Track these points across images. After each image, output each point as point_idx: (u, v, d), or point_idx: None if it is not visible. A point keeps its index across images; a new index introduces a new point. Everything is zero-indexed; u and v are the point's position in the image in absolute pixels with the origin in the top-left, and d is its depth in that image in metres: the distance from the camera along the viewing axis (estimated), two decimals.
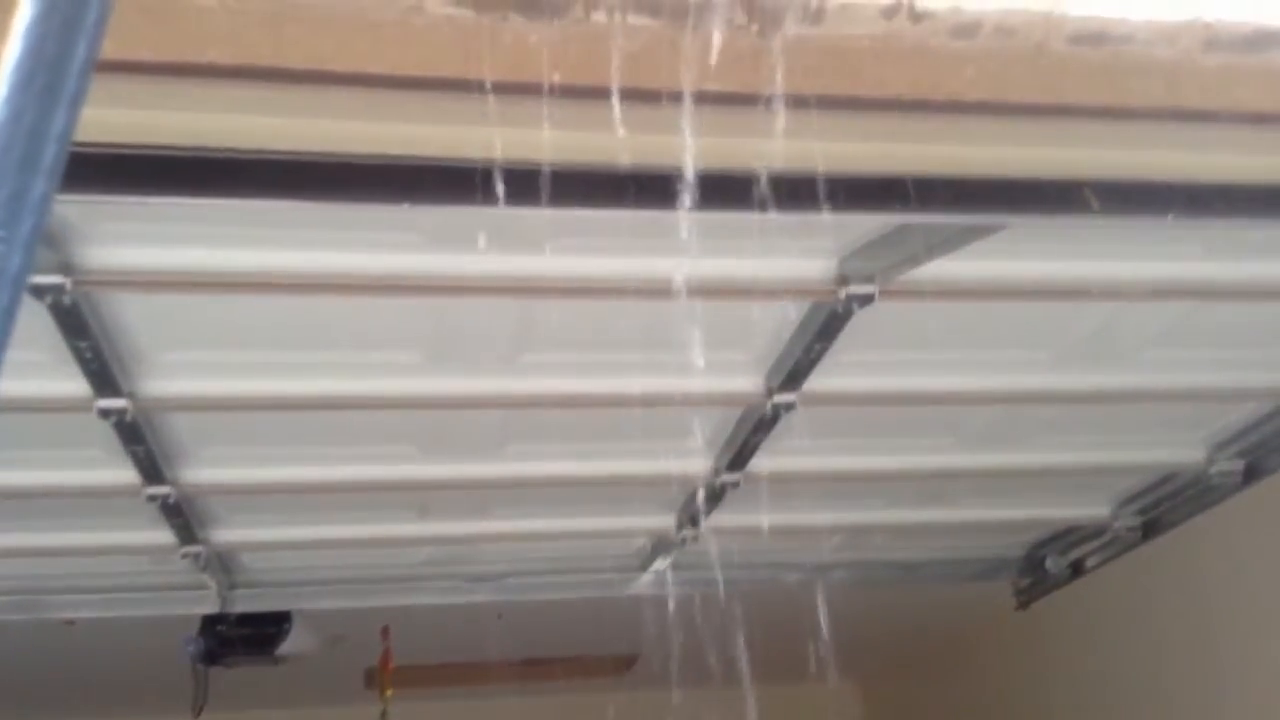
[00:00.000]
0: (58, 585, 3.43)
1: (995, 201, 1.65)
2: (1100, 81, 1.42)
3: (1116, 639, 4.15)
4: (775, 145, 1.42)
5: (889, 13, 1.33)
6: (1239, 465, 3.04)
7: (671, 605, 3.40)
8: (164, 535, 3.01)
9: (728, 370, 2.43)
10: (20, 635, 3.99)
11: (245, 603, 3.58)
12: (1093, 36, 1.35)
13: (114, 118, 1.37)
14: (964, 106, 1.46)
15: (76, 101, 0.61)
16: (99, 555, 3.21)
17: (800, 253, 2.08)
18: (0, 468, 2.63)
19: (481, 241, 1.93)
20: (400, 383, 2.42)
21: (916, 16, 1.33)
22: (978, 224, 1.84)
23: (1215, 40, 1.37)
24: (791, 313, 2.26)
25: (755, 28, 1.32)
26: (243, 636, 3.86)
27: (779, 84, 1.37)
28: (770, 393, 2.48)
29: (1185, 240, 2.14)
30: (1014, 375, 2.58)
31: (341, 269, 2.02)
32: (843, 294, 2.11)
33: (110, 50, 1.30)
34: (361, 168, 1.42)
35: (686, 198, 1.46)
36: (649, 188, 1.46)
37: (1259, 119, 1.50)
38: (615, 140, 1.37)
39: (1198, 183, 1.60)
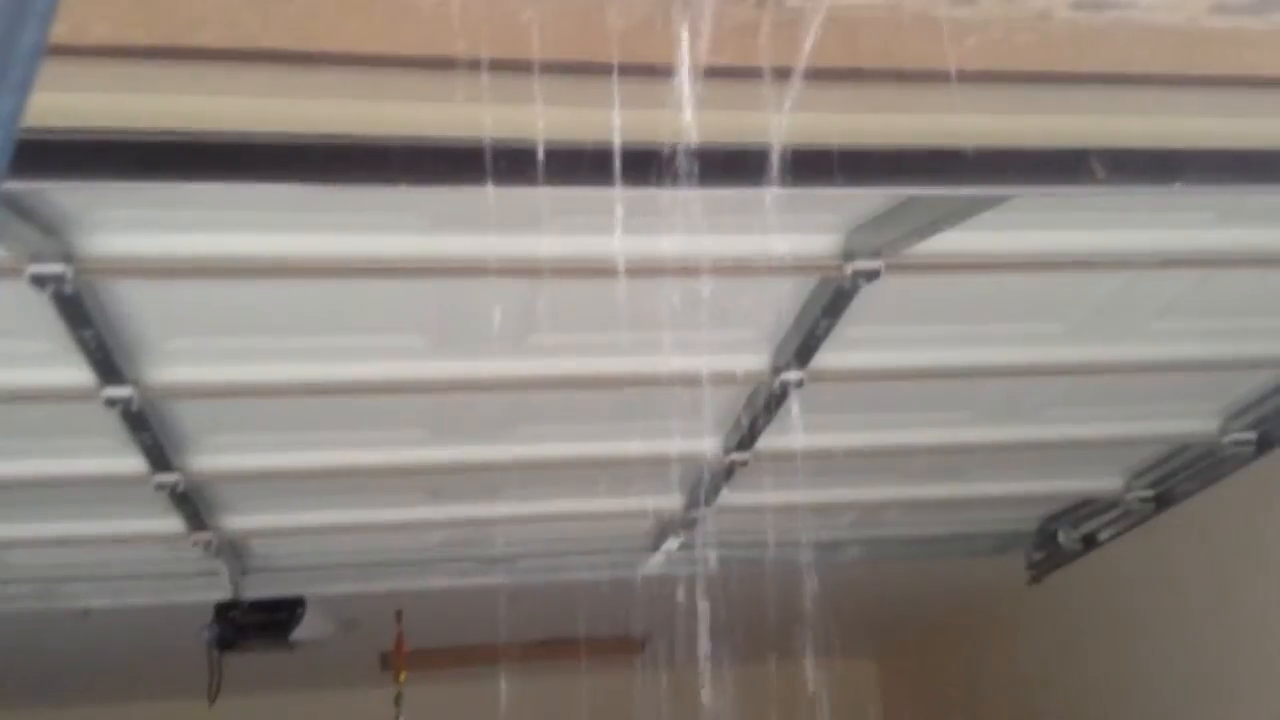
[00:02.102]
0: (72, 574, 3.44)
1: (1000, 172, 1.63)
2: (1105, 48, 1.40)
3: (1130, 612, 4.13)
4: (775, 119, 1.41)
5: None
6: (1252, 435, 3.02)
7: (683, 585, 3.40)
8: (174, 523, 3.01)
9: (735, 348, 2.41)
10: (37, 624, 4.01)
11: (258, 588, 3.59)
12: (1096, 2, 1.33)
13: (107, 102, 1.36)
14: (967, 76, 1.44)
15: (24, 86, 0.60)
16: (111, 544, 3.22)
17: (805, 228, 2.06)
18: (9, 458, 2.64)
19: (486, 222, 1.91)
20: (407, 366, 2.42)
21: None
22: (983, 196, 1.82)
23: (1222, 3, 1.34)
24: (798, 289, 2.24)
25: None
26: (256, 622, 3.87)
27: (778, 56, 1.35)
28: (778, 370, 2.47)
29: (1194, 208, 2.11)
30: (1024, 348, 2.56)
31: (344, 253, 2.01)
32: (849, 269, 2.09)
33: (101, 34, 1.30)
34: (356, 149, 1.41)
35: (687, 174, 1.44)
36: (648, 164, 1.44)
37: (1267, 82, 1.48)
38: (613, 116, 1.36)
39: (1205, 149, 1.57)
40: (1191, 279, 2.35)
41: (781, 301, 2.28)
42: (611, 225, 2.01)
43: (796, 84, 1.37)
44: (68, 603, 3.55)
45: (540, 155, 1.39)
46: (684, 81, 1.34)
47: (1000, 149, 1.57)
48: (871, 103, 1.50)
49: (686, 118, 1.38)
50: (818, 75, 1.37)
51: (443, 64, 1.30)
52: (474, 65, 1.28)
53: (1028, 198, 1.82)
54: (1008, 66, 1.44)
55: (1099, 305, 2.42)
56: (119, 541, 3.20)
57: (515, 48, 1.27)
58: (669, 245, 1.81)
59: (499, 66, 1.28)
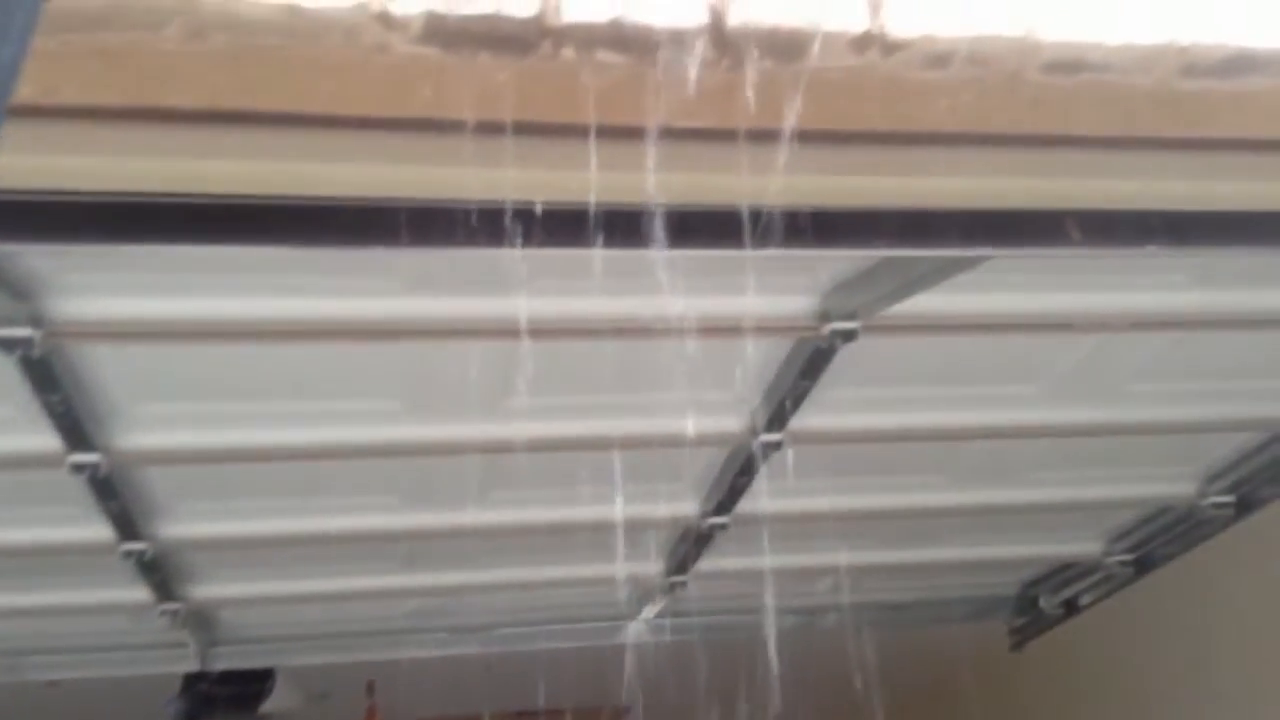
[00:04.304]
0: (36, 646, 3.36)
1: (975, 234, 1.63)
2: (1077, 110, 1.41)
3: (1112, 678, 4.10)
4: (750, 181, 1.41)
5: (860, 45, 1.32)
6: (1231, 498, 3.01)
7: (662, 653, 3.35)
8: (141, 593, 2.95)
9: (712, 410, 2.40)
10: (2, 698, 3.91)
11: (226, 660, 3.51)
12: (1068, 64, 1.34)
13: (77, 164, 1.35)
14: (940, 138, 1.45)
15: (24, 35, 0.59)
16: (76, 615, 3.15)
17: (781, 289, 2.06)
18: None
19: (461, 284, 1.91)
20: (380, 431, 2.39)
21: (889, 48, 1.32)
22: (959, 257, 1.82)
23: (1192, 66, 1.35)
24: (775, 350, 2.23)
25: (726, 63, 1.30)
26: (225, 695, 3.79)
27: (751, 119, 1.35)
28: (756, 432, 2.45)
29: (1169, 269, 2.13)
30: (1002, 410, 2.56)
31: (317, 316, 1.99)
32: (825, 330, 2.09)
33: (70, 95, 1.29)
34: (330, 210, 1.40)
35: (661, 236, 1.44)
36: (623, 226, 1.43)
37: (1238, 145, 1.49)
38: (587, 178, 1.35)
39: (1178, 211, 1.58)
40: (1167, 341, 2.35)
41: (759, 363, 2.27)
42: (587, 287, 2.01)
43: (771, 146, 1.37)
44: (33, 674, 3.46)
45: (513, 217, 1.38)
46: (658, 144, 1.34)
47: (975, 210, 1.58)
48: (846, 165, 1.50)
49: (662, 180, 1.38)
50: (791, 137, 1.37)
51: (417, 125, 1.29)
52: (448, 127, 1.28)
53: (1004, 259, 1.83)
54: (981, 128, 1.44)
55: (1076, 367, 2.42)
56: (85, 612, 3.13)
57: (490, 109, 1.27)
58: (646, 307, 1.80)
59: (473, 128, 1.28)
